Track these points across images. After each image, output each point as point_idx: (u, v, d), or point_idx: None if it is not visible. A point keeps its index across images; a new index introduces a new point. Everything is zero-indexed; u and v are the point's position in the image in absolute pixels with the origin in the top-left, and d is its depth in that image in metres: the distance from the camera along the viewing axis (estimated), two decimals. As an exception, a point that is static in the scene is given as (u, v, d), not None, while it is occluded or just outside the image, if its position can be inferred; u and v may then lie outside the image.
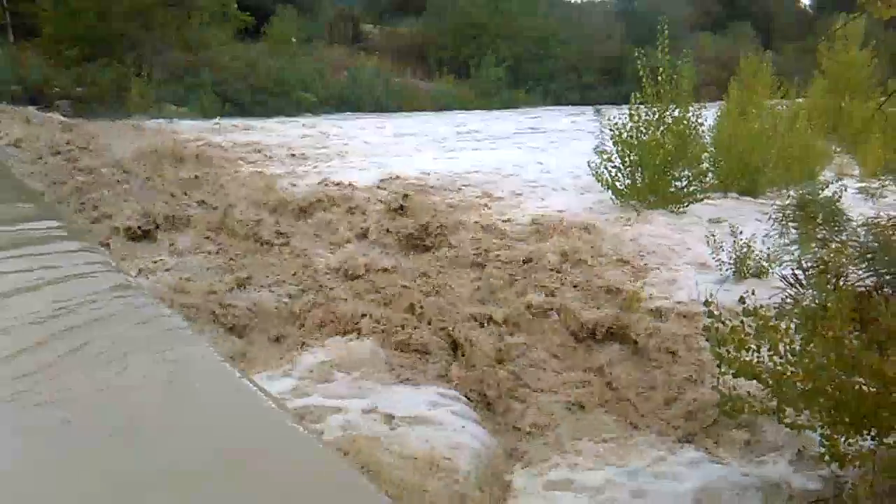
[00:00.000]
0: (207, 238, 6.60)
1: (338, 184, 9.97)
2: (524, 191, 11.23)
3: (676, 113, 10.29)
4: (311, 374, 4.27)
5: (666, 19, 10.58)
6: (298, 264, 6.13)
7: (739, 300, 3.42)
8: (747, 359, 3.30)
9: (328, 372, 4.28)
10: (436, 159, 14.15)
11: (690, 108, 10.38)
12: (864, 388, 3.09)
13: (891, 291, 3.89)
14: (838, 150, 15.40)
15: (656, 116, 10.30)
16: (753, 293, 3.50)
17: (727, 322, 3.43)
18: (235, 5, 23.76)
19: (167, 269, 5.66)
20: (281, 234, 6.91)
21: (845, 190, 6.72)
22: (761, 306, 3.39)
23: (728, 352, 3.31)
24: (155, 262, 5.84)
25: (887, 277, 4.60)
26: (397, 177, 11.17)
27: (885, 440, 3.15)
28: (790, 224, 5.70)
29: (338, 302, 5.26)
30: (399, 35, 34.01)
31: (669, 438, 4.11)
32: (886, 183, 6.34)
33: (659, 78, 10.19)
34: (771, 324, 3.29)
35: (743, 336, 3.38)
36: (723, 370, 3.37)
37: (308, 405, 3.86)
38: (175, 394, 2.60)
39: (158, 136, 13.32)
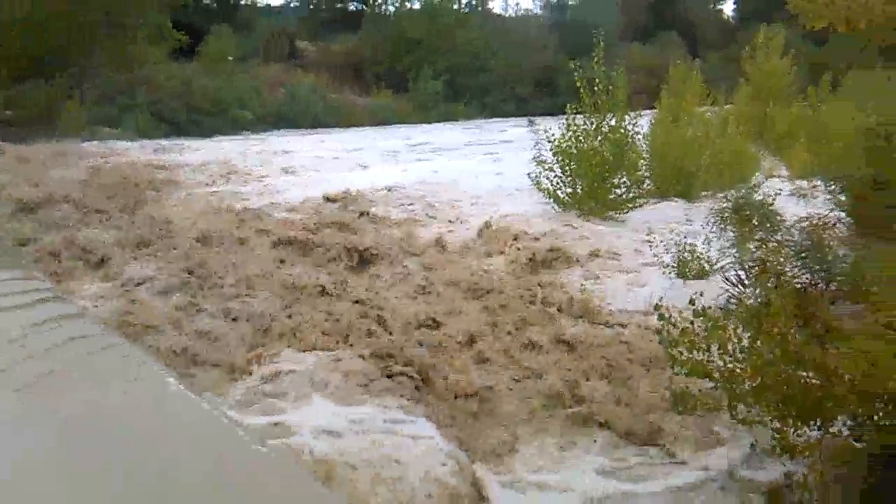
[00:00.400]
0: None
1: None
2: (480, 200, 11.45)
3: (613, 122, 10.58)
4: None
5: (601, 31, 10.91)
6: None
7: (690, 302, 3.54)
8: (699, 358, 3.43)
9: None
10: (393, 172, 14.20)
11: (627, 117, 10.69)
12: (809, 381, 3.25)
13: (825, 287, 4.10)
14: (765, 153, 16.03)
15: (594, 126, 10.57)
16: (702, 295, 3.64)
17: (677, 324, 3.55)
18: (170, 24, 23.32)
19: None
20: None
21: (779, 192, 7.06)
22: (709, 307, 3.52)
23: (681, 352, 3.43)
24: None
25: (821, 274, 4.86)
26: (357, 191, 11.18)
27: (829, 430, 3.31)
28: (728, 226, 5.96)
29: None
30: (335, 51, 33.96)
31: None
32: (816, 184, 6.63)
33: (596, 88, 10.47)
34: (720, 323, 3.43)
35: (693, 337, 3.51)
36: (676, 370, 3.49)
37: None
38: (147, 418, 2.58)
39: (104, 159, 13.04)
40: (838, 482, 3.34)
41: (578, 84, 10.44)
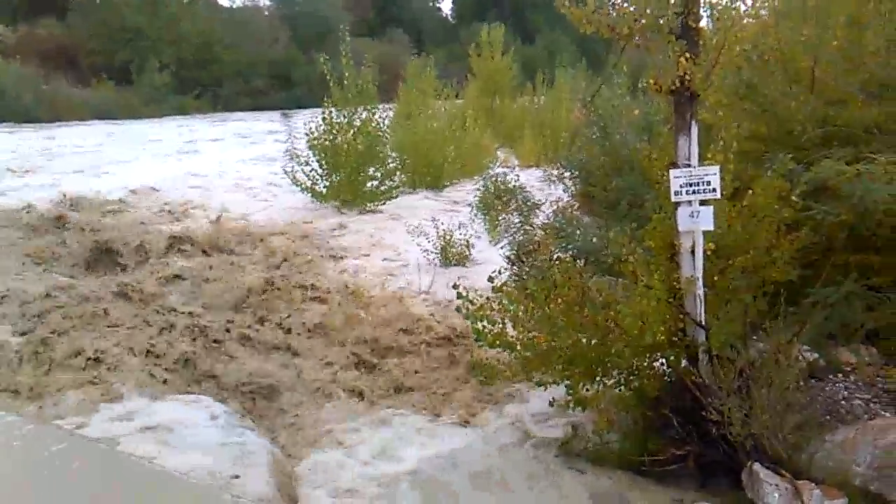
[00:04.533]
0: None
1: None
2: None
3: (364, 115, 10.84)
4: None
5: (345, 27, 11.14)
6: None
7: (489, 279, 3.84)
8: (498, 331, 3.74)
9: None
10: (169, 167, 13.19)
11: (377, 111, 11.03)
12: (590, 342, 3.70)
13: (583, 262, 4.66)
14: (497, 144, 17.37)
15: (347, 120, 10.75)
16: (500, 272, 3.97)
17: (475, 301, 3.82)
18: None
19: None
20: None
21: (528, 181, 7.76)
22: (505, 284, 3.86)
23: (484, 327, 3.72)
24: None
25: (573, 251, 5.48)
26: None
27: (608, 382, 3.80)
28: (490, 211, 6.45)
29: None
30: (39, 37, 30.47)
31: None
32: (559, 171, 7.42)
33: (345, 83, 10.65)
34: (514, 297, 3.76)
35: (489, 312, 3.81)
36: (481, 343, 3.77)
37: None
38: None
39: None
40: (616, 425, 3.87)
41: (329, 78, 10.55)
